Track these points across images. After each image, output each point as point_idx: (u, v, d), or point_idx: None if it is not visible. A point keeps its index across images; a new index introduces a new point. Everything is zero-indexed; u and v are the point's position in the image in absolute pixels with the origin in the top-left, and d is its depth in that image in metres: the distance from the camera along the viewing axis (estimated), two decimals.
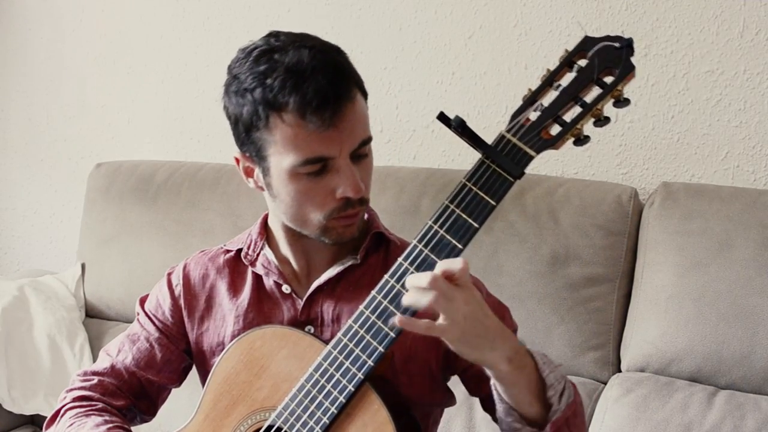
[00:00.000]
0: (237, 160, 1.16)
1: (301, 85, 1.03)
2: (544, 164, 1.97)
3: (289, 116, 1.04)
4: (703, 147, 1.89)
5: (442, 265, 0.96)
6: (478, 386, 1.17)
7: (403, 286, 1.01)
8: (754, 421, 1.58)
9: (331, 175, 1.07)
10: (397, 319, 0.96)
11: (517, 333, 1.23)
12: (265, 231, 1.24)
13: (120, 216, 2.22)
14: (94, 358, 2.12)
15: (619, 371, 1.78)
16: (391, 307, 1.02)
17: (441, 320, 0.95)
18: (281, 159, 1.07)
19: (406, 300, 0.97)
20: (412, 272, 1.02)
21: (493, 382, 1.04)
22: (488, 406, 1.16)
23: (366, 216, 1.22)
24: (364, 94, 1.11)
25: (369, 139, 1.10)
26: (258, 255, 1.22)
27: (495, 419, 1.13)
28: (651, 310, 1.71)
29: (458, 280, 0.95)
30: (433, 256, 1.01)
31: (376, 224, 1.22)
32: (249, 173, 1.16)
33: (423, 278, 0.94)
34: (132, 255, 2.18)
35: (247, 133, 1.09)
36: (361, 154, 1.09)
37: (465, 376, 1.21)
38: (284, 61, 1.04)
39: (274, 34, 1.10)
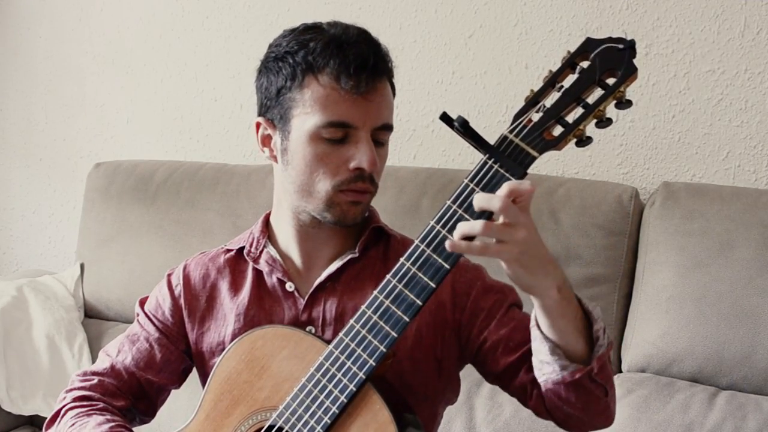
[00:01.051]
0: (257, 126, 1.17)
1: (344, 50, 1.08)
2: (544, 164, 1.97)
3: (325, 78, 1.08)
4: (704, 147, 1.88)
5: (509, 185, 0.95)
6: (497, 360, 1.15)
7: (404, 286, 1.01)
8: (756, 422, 1.58)
9: (349, 146, 1.10)
10: (448, 244, 0.96)
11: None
12: (267, 229, 1.24)
13: (119, 216, 2.22)
14: (93, 359, 2.11)
15: (620, 371, 1.78)
16: (393, 307, 1.02)
17: (501, 240, 0.94)
18: (306, 119, 1.10)
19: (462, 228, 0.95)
20: (413, 272, 1.02)
21: (534, 321, 1.03)
22: (508, 380, 1.15)
23: (366, 213, 1.22)
24: (393, 90, 1.15)
25: (391, 127, 1.13)
26: (261, 252, 1.22)
27: (521, 395, 1.12)
28: (652, 311, 1.71)
29: (523, 203, 0.95)
30: (435, 257, 1.01)
31: (375, 219, 1.23)
32: (266, 142, 1.17)
33: (494, 200, 0.94)
34: (131, 255, 2.18)
35: (277, 95, 1.12)
36: (381, 139, 1.12)
37: (481, 354, 1.18)
38: (330, 32, 1.11)
39: (314, 23, 1.16)
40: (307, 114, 1.09)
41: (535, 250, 0.96)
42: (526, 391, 1.12)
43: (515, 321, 1.14)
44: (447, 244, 0.97)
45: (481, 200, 0.96)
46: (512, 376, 1.14)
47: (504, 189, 0.95)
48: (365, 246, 1.20)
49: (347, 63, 1.07)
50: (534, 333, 1.04)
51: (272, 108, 1.13)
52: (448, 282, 1.16)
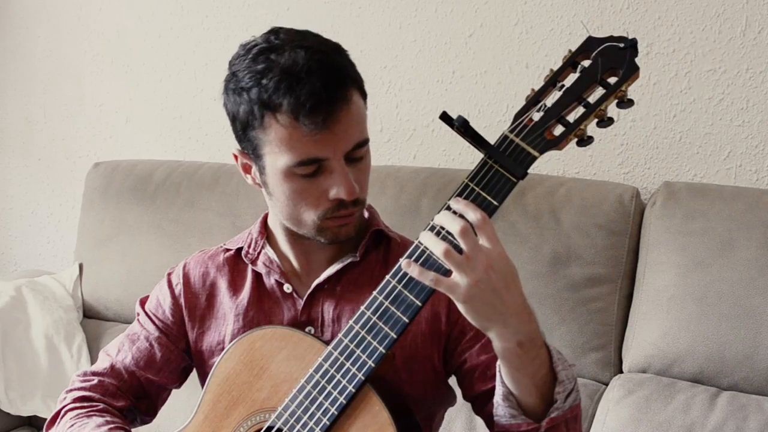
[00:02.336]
0: (236, 156, 1.16)
1: (295, 87, 1.03)
2: (545, 164, 1.96)
3: (284, 117, 1.04)
4: (706, 146, 1.88)
5: (466, 205, 0.95)
6: (472, 384, 1.16)
7: (404, 286, 1.01)
8: (757, 423, 1.57)
9: (325, 176, 1.07)
10: (403, 262, 0.96)
11: None
12: (266, 230, 1.24)
13: (118, 216, 2.21)
14: (92, 359, 2.11)
15: (621, 372, 1.77)
16: (393, 308, 1.01)
17: (453, 276, 0.94)
18: (276, 158, 1.07)
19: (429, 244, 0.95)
20: None
21: (498, 363, 1.02)
22: (480, 406, 1.16)
23: (366, 214, 1.21)
24: (363, 95, 1.11)
25: (365, 141, 1.10)
26: (259, 253, 1.22)
27: (488, 422, 1.12)
28: (653, 311, 1.71)
29: (485, 234, 0.94)
30: (435, 256, 1.01)
31: (376, 222, 1.22)
32: (247, 170, 1.17)
33: (455, 221, 0.93)
34: (130, 255, 2.18)
35: (244, 131, 1.09)
36: (356, 156, 1.09)
37: (459, 374, 1.20)
38: (280, 62, 1.04)
39: (275, 31, 1.10)
40: (275, 153, 1.07)
41: (492, 297, 0.94)
42: (493, 422, 1.11)
43: None
44: (402, 262, 0.97)
45: (443, 218, 0.96)
46: (483, 403, 1.14)
47: (467, 212, 0.95)
48: (365, 249, 1.19)
49: (301, 102, 1.02)
50: (496, 370, 1.04)
51: (244, 141, 1.11)
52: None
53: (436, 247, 0.94)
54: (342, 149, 1.06)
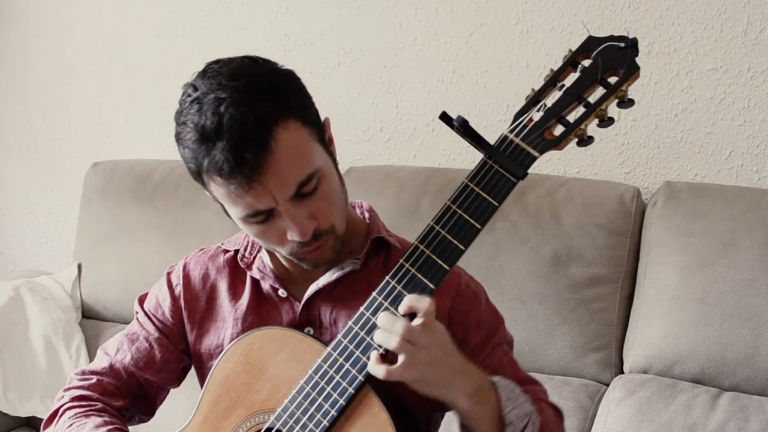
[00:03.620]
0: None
1: (210, 151, 1.00)
2: (545, 163, 1.96)
3: (216, 178, 1.02)
4: (707, 146, 1.88)
5: (408, 301, 0.99)
6: None
7: (404, 287, 1.01)
8: (758, 423, 1.57)
9: (279, 220, 1.05)
10: (369, 365, 1.01)
11: (513, 343, 1.23)
12: None
13: (117, 216, 2.21)
14: (91, 360, 2.11)
15: (622, 373, 1.77)
16: (392, 309, 1.01)
17: (399, 363, 0.98)
18: (228, 208, 1.08)
19: (377, 338, 1.00)
20: (413, 274, 1.01)
21: (456, 418, 1.07)
22: None
23: (367, 217, 1.20)
24: (307, 122, 1.04)
25: (312, 174, 1.03)
26: (254, 258, 1.21)
27: None
28: (654, 311, 1.70)
29: (425, 319, 0.98)
30: (434, 257, 1.01)
31: (376, 228, 1.20)
32: None
33: (391, 323, 0.98)
34: (129, 255, 2.17)
35: (197, 181, 1.09)
36: (305, 193, 1.03)
37: None
38: (195, 123, 1.01)
39: (204, 72, 1.07)
40: (226, 204, 1.07)
41: (438, 369, 0.99)
42: None
43: (490, 369, 1.13)
44: (372, 356, 1.00)
45: (384, 321, 0.99)
46: None
47: (402, 305, 0.99)
48: (366, 257, 1.18)
49: (219, 167, 0.99)
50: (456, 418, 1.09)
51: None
52: (447, 305, 1.16)
53: (388, 345, 0.99)
54: (283, 196, 1.02)
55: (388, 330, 0.98)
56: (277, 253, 1.15)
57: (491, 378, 1.07)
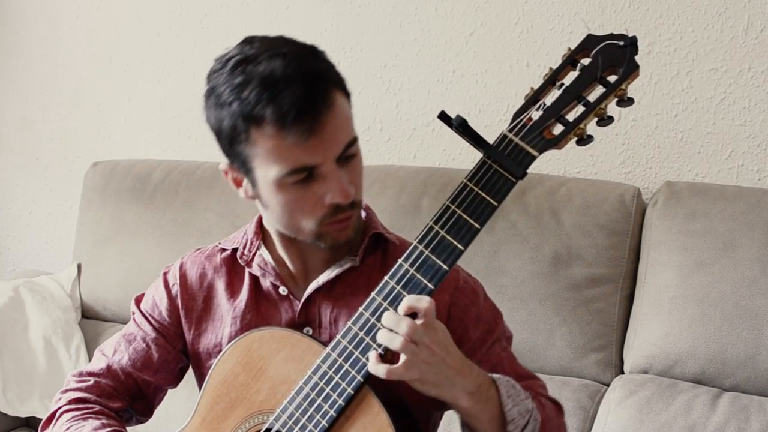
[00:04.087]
0: (225, 172, 1.15)
1: (276, 97, 1.01)
2: (545, 163, 1.95)
3: (269, 128, 1.02)
4: (707, 146, 1.87)
5: (407, 301, 1.00)
6: None
7: (403, 287, 1.02)
8: (759, 424, 1.57)
9: (319, 183, 1.06)
10: (369, 365, 1.01)
11: (512, 338, 1.23)
12: (261, 231, 1.23)
13: (116, 216, 2.21)
14: (90, 360, 2.10)
15: (622, 373, 1.77)
16: (391, 309, 1.01)
17: (401, 363, 0.99)
18: (267, 170, 1.06)
19: (380, 338, 1.00)
20: (411, 274, 1.01)
21: (459, 417, 1.08)
22: None
23: (364, 215, 1.20)
24: (347, 95, 1.09)
25: (354, 140, 1.08)
26: (254, 255, 1.21)
27: None
28: (654, 311, 1.70)
29: (425, 320, 0.98)
30: (434, 258, 1.02)
31: (374, 224, 1.20)
32: (238, 183, 1.15)
33: (395, 323, 0.98)
34: (129, 255, 2.17)
35: (230, 146, 1.08)
36: (348, 155, 1.07)
37: None
38: (258, 72, 1.02)
39: (249, 41, 1.08)
40: (266, 165, 1.06)
41: (439, 368, 1.00)
42: None
43: (489, 365, 1.14)
44: (371, 356, 1.01)
45: (388, 320, 1.00)
46: None
47: (402, 305, 1.00)
48: (364, 254, 1.18)
49: (284, 112, 1.00)
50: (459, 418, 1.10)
51: (232, 156, 1.10)
52: (446, 301, 1.16)
53: (391, 345, 0.99)
54: (332, 153, 1.04)
55: (394, 329, 0.99)
56: (293, 231, 1.13)
57: (491, 375, 1.07)
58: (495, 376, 1.07)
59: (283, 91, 1.01)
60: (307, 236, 1.12)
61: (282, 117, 1.01)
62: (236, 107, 1.03)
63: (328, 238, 1.11)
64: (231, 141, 1.07)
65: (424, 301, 0.99)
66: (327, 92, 1.04)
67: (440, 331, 1.01)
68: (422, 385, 1.01)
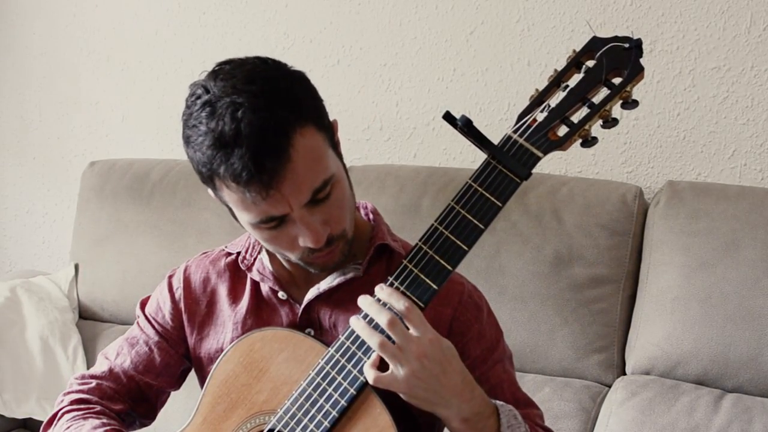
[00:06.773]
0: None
1: (229, 157, 0.97)
2: (547, 163, 1.94)
3: (231, 183, 1.00)
4: (710, 145, 1.87)
5: (387, 297, 0.99)
6: None
7: (407, 288, 1.01)
8: (762, 425, 1.57)
9: (291, 226, 1.04)
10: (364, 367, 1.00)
11: (513, 357, 1.21)
12: None
13: (114, 215, 2.20)
14: (88, 361, 2.11)
15: (624, 374, 1.77)
16: (385, 309, 1.00)
17: (389, 371, 0.97)
18: (240, 214, 1.06)
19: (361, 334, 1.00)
20: (415, 274, 1.01)
21: None
22: None
23: (371, 218, 1.20)
24: (321, 126, 1.03)
25: (327, 181, 1.02)
26: (254, 260, 1.20)
27: None
28: (656, 312, 1.70)
29: (413, 325, 0.97)
30: (438, 258, 1.01)
31: (381, 234, 1.18)
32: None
33: (382, 313, 0.97)
34: (126, 255, 2.16)
35: (206, 185, 1.07)
36: (318, 199, 1.02)
37: None
38: (212, 128, 0.98)
39: (215, 74, 1.03)
40: (238, 210, 1.05)
41: (430, 383, 0.98)
42: None
43: (488, 385, 1.12)
44: (369, 359, 1.00)
45: (370, 308, 0.99)
46: None
47: (392, 302, 0.99)
48: (368, 264, 1.17)
49: (237, 173, 0.97)
50: None
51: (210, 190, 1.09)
52: (448, 314, 1.15)
53: (371, 340, 0.98)
54: (298, 202, 1.01)
55: (376, 315, 0.98)
56: (281, 258, 1.14)
57: (495, 402, 1.05)
58: (498, 403, 1.06)
59: (233, 153, 0.97)
60: (296, 263, 1.12)
61: (236, 177, 0.98)
62: (199, 158, 1.02)
63: (316, 266, 1.11)
64: (204, 182, 1.06)
65: (400, 303, 0.98)
66: (284, 146, 0.98)
67: (439, 348, 0.98)
68: (412, 399, 0.99)
